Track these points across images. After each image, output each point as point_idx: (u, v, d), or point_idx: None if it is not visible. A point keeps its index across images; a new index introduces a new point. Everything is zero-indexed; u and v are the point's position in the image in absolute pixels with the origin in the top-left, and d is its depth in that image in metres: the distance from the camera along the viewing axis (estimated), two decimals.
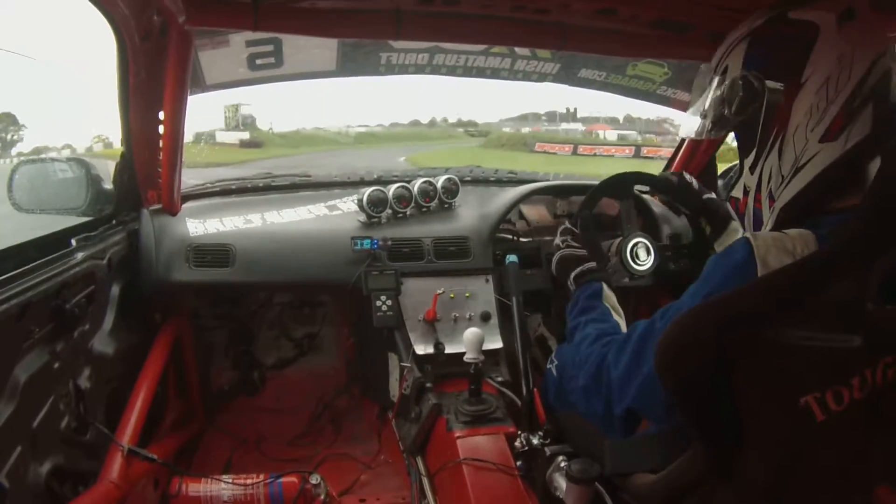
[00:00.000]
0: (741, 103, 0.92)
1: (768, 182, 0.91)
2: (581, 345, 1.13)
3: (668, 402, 0.90)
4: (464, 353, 1.50)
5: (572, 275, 1.33)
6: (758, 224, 0.96)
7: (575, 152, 17.98)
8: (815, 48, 0.84)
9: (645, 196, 2.10)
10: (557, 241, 1.46)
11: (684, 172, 1.60)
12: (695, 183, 1.56)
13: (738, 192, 0.99)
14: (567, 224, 1.51)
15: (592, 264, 1.33)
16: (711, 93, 0.99)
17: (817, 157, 0.84)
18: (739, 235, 1.41)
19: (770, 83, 0.89)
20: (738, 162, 1.03)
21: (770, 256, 0.82)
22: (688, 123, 1.12)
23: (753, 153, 0.93)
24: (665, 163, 2.28)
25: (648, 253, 1.79)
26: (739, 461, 0.85)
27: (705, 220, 1.49)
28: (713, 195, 1.54)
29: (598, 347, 1.07)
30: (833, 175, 0.84)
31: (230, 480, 1.47)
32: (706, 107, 1.01)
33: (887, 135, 0.81)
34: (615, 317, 1.19)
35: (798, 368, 0.79)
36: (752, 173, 0.94)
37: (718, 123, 0.99)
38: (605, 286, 1.25)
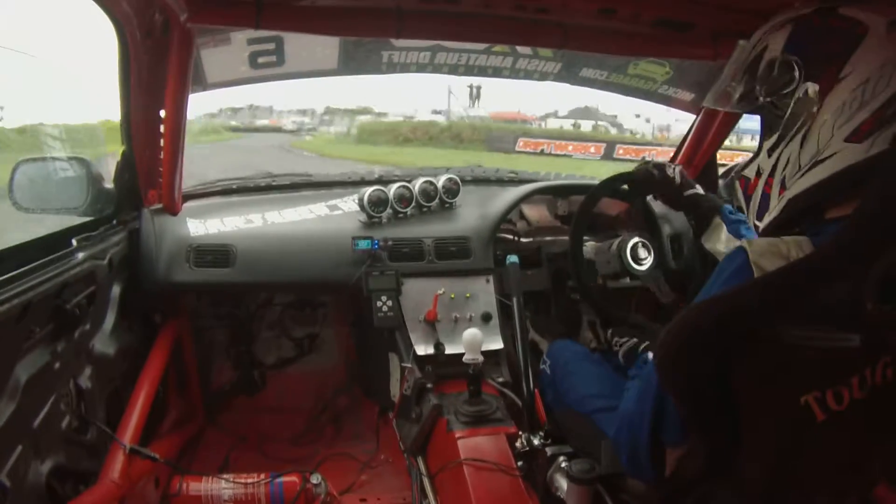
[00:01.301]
0: (775, 84, 0.91)
1: (784, 168, 0.90)
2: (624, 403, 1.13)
3: (681, 420, 0.90)
4: (464, 354, 1.50)
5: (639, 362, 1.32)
6: (763, 209, 0.95)
7: (611, 155, 14.16)
8: (860, 47, 0.82)
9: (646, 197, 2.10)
10: (614, 345, 1.44)
11: (668, 164, 1.56)
12: (678, 177, 1.52)
13: (750, 173, 0.98)
14: (608, 332, 1.49)
15: (646, 343, 1.33)
16: (744, 68, 0.98)
17: (839, 155, 0.83)
18: (724, 231, 1.40)
19: (807, 70, 0.87)
20: (737, 162, 1.02)
21: (764, 261, 0.82)
22: (713, 94, 1.11)
23: (776, 136, 0.92)
24: None
25: (648, 252, 1.79)
26: (738, 460, 0.85)
27: (688, 215, 1.46)
28: (698, 189, 1.51)
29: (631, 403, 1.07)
30: (849, 177, 0.83)
31: (231, 479, 1.47)
32: (736, 81, 1.00)
33: None
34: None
35: (798, 368, 0.79)
36: (769, 156, 0.93)
37: (746, 99, 0.98)
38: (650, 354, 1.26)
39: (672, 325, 0.82)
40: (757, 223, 0.97)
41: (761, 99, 0.94)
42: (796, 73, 0.88)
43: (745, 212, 1.01)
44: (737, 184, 1.03)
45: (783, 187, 0.90)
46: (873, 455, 0.90)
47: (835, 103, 0.84)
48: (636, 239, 1.80)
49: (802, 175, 0.87)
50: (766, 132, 0.96)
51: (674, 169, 1.53)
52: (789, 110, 0.89)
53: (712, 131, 2.02)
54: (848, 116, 0.82)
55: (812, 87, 0.86)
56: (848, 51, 0.83)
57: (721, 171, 2.15)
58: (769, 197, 0.93)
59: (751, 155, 1.00)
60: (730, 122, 2.01)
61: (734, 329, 0.79)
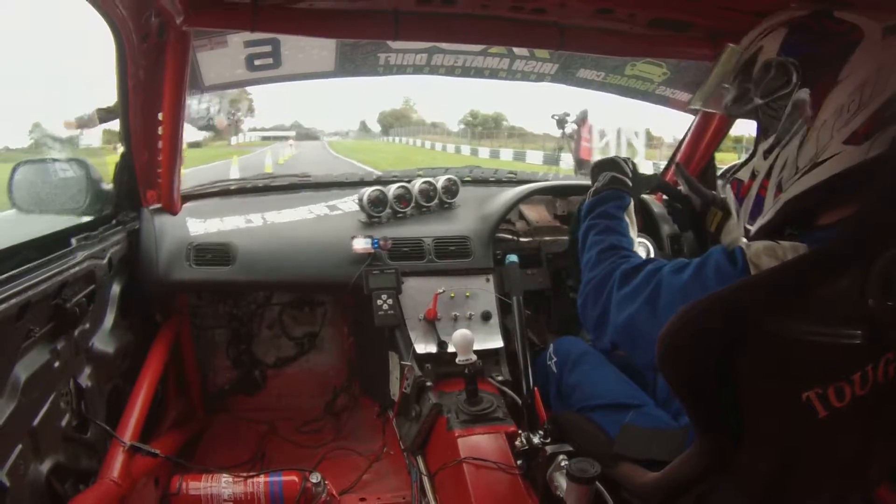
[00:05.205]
0: (771, 86, 0.91)
1: (780, 171, 0.90)
2: (594, 247, 1.13)
3: (653, 360, 0.90)
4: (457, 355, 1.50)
5: (610, 174, 1.27)
6: (756, 212, 0.95)
7: None
8: (857, 50, 0.83)
9: (645, 196, 2.10)
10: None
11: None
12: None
13: (744, 175, 0.97)
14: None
15: (629, 181, 1.28)
16: (738, 70, 0.97)
17: (838, 157, 0.83)
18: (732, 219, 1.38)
19: (804, 72, 0.87)
20: (736, 163, 1.02)
21: (762, 261, 0.83)
22: (701, 96, 1.11)
23: (772, 139, 0.92)
24: None
25: (648, 254, 1.79)
26: (741, 457, 0.85)
27: (719, 208, 1.44)
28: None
29: (613, 257, 1.08)
30: (847, 179, 0.83)
31: (230, 479, 1.46)
32: (728, 83, 0.99)
33: None
34: (632, 233, 1.19)
35: (800, 363, 0.79)
36: (764, 158, 0.93)
37: (740, 102, 0.97)
38: (632, 203, 1.24)
39: (673, 322, 0.82)
40: (748, 226, 0.97)
41: (756, 101, 0.93)
42: (793, 75, 0.88)
43: (736, 215, 1.01)
44: (728, 187, 1.02)
45: (779, 189, 0.90)
46: (875, 454, 0.90)
47: (833, 106, 0.84)
48: (636, 240, 1.81)
49: (801, 177, 0.87)
50: (761, 135, 0.95)
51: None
52: (786, 112, 0.89)
53: (710, 132, 2.02)
54: (846, 119, 0.83)
55: (811, 90, 0.86)
56: (845, 54, 0.83)
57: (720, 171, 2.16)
58: (763, 199, 0.93)
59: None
60: (728, 123, 2.02)
61: (736, 325, 0.79)
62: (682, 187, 1.45)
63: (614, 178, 1.27)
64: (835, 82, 0.84)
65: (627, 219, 1.20)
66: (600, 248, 1.11)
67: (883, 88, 0.81)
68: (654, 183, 1.41)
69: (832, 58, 0.84)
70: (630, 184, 1.28)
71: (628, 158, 1.37)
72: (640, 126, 9.59)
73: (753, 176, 0.95)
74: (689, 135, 2.08)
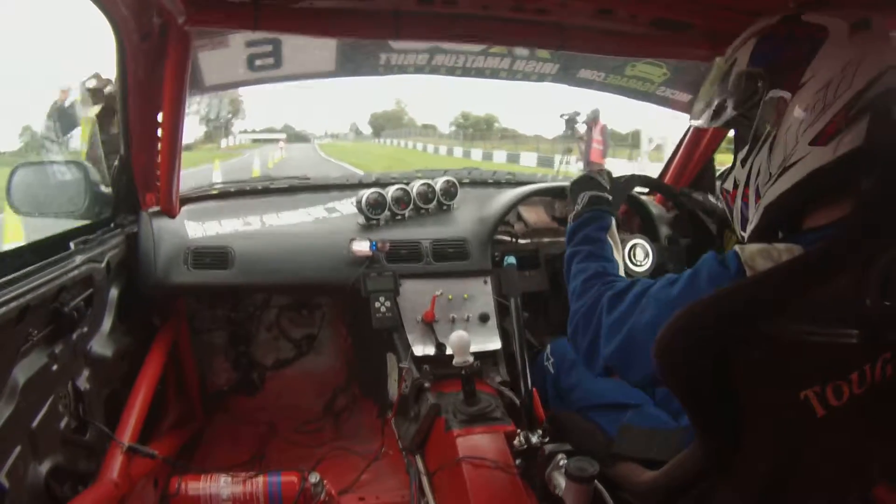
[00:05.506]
0: (740, 97, 0.93)
1: (756, 178, 0.91)
2: (579, 276, 1.13)
3: (649, 374, 0.90)
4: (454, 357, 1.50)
5: (588, 194, 1.27)
6: (744, 219, 0.97)
7: None
8: (821, 50, 0.83)
9: (643, 197, 2.10)
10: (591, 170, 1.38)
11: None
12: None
13: (728, 185, 1.00)
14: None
15: (608, 197, 1.28)
16: (718, 84, 0.99)
17: (806, 159, 0.84)
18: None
19: (770, 80, 0.89)
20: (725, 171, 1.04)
21: (757, 263, 0.83)
22: (695, 111, 1.12)
23: (747, 147, 0.93)
24: None
25: (647, 255, 1.79)
26: (740, 456, 0.85)
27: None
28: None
29: (598, 284, 1.07)
30: (820, 181, 0.84)
31: (229, 479, 1.46)
32: (711, 97, 1.01)
33: (880, 150, 0.80)
34: (616, 255, 1.19)
35: (797, 364, 0.79)
36: (742, 167, 0.95)
37: (718, 114, 0.99)
38: (614, 221, 1.23)
39: (669, 326, 0.82)
40: (742, 234, 0.98)
41: (731, 111, 0.95)
42: (759, 84, 0.90)
43: (732, 223, 1.02)
44: (720, 197, 1.05)
45: (758, 196, 0.92)
46: (873, 454, 0.90)
47: (798, 108, 0.85)
48: (634, 241, 1.81)
49: (773, 182, 0.88)
50: (738, 144, 0.97)
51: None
52: (756, 120, 0.91)
53: (708, 135, 2.02)
54: (811, 120, 0.83)
55: (777, 95, 0.87)
56: (810, 55, 0.84)
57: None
58: (747, 206, 0.95)
59: None
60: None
61: (733, 327, 0.79)
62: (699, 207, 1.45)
63: (593, 198, 1.26)
64: (799, 85, 0.85)
65: (611, 240, 1.20)
66: (585, 277, 1.11)
67: (849, 86, 0.81)
68: (635, 183, 1.42)
69: (797, 61, 0.85)
70: (609, 198, 1.27)
71: (603, 170, 1.38)
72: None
73: (736, 185, 0.97)
74: (686, 137, 2.08)
